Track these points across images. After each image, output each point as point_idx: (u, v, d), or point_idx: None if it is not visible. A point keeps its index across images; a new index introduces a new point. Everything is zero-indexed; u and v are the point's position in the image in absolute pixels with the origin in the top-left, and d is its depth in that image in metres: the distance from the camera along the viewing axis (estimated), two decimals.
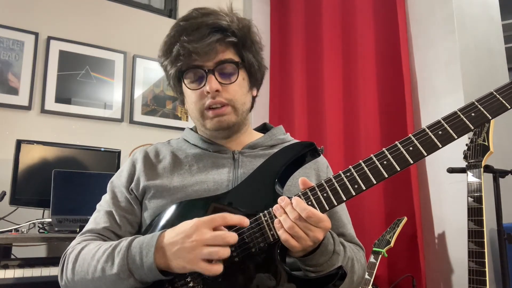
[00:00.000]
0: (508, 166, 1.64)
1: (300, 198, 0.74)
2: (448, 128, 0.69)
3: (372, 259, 1.83)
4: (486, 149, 1.48)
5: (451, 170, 1.59)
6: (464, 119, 0.69)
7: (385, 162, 0.70)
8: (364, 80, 2.35)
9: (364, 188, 0.71)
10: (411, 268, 2.02)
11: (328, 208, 0.73)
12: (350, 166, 0.73)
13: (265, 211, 0.76)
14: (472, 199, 1.47)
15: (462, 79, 2.01)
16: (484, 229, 1.43)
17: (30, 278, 1.49)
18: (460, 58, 2.03)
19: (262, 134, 1.02)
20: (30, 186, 1.92)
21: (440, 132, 0.70)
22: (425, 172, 2.12)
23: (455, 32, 2.06)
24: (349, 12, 2.51)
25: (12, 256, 1.76)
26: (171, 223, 0.84)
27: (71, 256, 0.84)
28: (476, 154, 1.50)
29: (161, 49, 0.93)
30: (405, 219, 1.92)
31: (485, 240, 1.42)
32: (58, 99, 2.31)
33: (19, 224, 1.76)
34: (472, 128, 0.69)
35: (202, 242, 0.69)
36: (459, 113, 0.70)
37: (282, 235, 0.72)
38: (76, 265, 0.82)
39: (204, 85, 0.88)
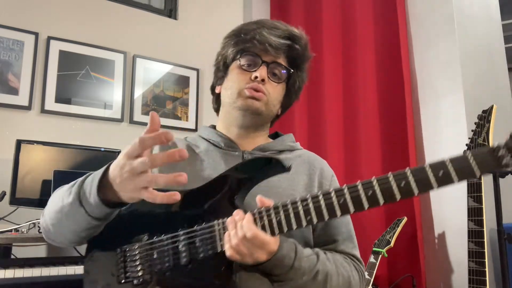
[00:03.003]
0: None
1: (254, 215, 0.74)
2: (412, 179, 0.65)
3: (372, 259, 1.83)
4: None
5: None
6: (431, 176, 0.64)
7: (341, 201, 0.69)
8: (364, 80, 2.36)
9: (315, 221, 0.70)
10: (411, 268, 2.02)
11: (276, 233, 0.72)
12: (309, 196, 0.71)
13: (221, 220, 0.76)
14: (472, 199, 1.47)
15: (462, 79, 2.01)
16: (484, 229, 1.43)
17: (30, 278, 1.48)
18: (460, 58, 2.03)
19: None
20: (30, 186, 1.92)
21: (403, 184, 0.65)
22: None
23: (455, 32, 2.06)
24: (349, 12, 2.51)
25: (12, 256, 1.76)
26: (139, 212, 0.85)
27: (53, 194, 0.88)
28: None
29: (236, 29, 1.00)
30: (405, 219, 1.92)
31: (485, 240, 1.42)
32: (58, 99, 2.31)
33: (19, 224, 1.75)
34: (435, 187, 0.64)
35: (134, 170, 0.68)
36: (427, 168, 0.64)
37: (228, 250, 0.73)
38: (51, 200, 0.85)
39: (255, 71, 0.95)
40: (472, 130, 1.54)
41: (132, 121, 2.51)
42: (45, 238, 0.88)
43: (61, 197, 0.80)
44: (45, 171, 1.92)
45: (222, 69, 1.02)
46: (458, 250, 1.91)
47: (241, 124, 0.99)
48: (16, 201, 1.89)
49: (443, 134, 2.06)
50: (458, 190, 1.90)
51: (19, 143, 1.93)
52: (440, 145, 2.07)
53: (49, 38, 2.33)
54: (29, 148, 1.95)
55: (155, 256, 0.79)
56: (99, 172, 0.75)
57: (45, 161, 1.97)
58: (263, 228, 0.73)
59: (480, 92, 2.06)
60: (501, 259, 1.52)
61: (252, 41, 0.95)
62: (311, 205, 0.70)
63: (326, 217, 0.69)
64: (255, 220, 0.73)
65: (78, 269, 1.54)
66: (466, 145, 1.55)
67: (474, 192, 1.47)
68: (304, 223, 0.71)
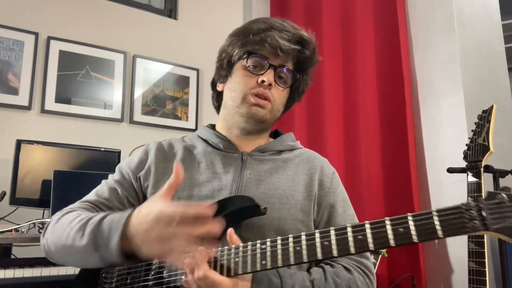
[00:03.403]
0: (508, 166, 1.64)
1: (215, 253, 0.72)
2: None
3: (372, 259, 1.83)
4: (486, 149, 1.48)
5: (451, 170, 1.59)
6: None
7: (297, 248, 0.67)
8: (364, 80, 2.35)
9: (269, 266, 0.68)
10: (411, 268, 2.02)
11: (232, 274, 0.71)
12: (268, 240, 0.70)
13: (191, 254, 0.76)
14: (472, 199, 1.47)
15: (462, 79, 2.01)
16: None
17: (30, 278, 1.48)
18: (460, 58, 2.03)
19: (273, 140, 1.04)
20: (30, 186, 1.92)
21: (326, 243, 0.66)
22: (425, 172, 2.12)
23: (455, 32, 2.06)
24: (349, 12, 2.51)
25: (12, 256, 1.76)
26: None
27: (55, 218, 0.87)
28: (476, 154, 1.50)
29: (243, 28, 0.97)
30: None
31: (485, 240, 1.42)
32: (58, 99, 2.31)
33: (19, 224, 1.75)
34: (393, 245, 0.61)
35: (163, 236, 0.68)
36: (367, 224, 0.64)
37: None
38: (55, 227, 0.84)
39: (262, 74, 0.93)
40: (472, 130, 1.54)
41: (132, 121, 2.51)
42: (45, 255, 0.87)
43: (70, 233, 0.79)
44: (45, 171, 1.92)
45: (225, 67, 0.99)
46: (458, 250, 1.91)
47: (243, 128, 0.97)
48: (16, 201, 1.89)
49: (443, 134, 2.06)
50: (458, 190, 1.90)
51: (19, 143, 1.93)
52: (440, 145, 2.07)
53: (49, 38, 2.33)
54: (29, 148, 1.95)
55: (128, 281, 0.81)
56: (119, 222, 0.73)
57: (45, 161, 1.97)
58: (221, 267, 0.71)
59: (480, 92, 2.06)
60: (501, 259, 1.52)
61: (262, 43, 0.92)
62: (268, 249, 0.69)
63: (280, 263, 0.67)
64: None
65: (78, 270, 1.54)
66: (466, 145, 1.55)
67: (474, 192, 1.47)
68: (258, 266, 0.69)
